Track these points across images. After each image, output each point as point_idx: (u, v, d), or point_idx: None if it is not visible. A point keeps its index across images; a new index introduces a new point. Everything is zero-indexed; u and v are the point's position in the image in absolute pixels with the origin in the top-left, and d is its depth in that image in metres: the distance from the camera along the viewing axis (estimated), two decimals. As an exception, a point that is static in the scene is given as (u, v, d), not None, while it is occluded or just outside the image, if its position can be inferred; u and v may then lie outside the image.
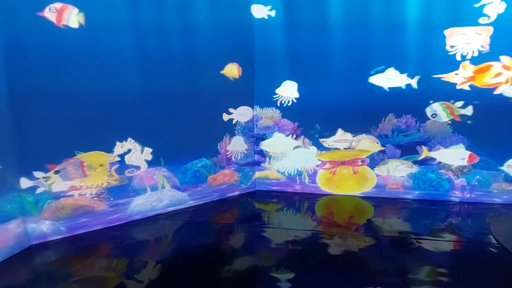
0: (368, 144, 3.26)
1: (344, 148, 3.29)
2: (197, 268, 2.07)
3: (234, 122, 3.30)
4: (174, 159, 2.96)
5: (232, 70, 3.10)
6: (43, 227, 2.38)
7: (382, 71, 3.06)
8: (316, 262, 2.11)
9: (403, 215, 2.92)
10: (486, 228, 2.52)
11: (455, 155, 3.08)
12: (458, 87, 2.92)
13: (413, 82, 3.01)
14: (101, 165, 2.56)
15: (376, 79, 3.08)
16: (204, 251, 2.29)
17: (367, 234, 2.53)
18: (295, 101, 3.30)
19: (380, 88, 3.09)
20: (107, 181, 2.60)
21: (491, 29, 2.81)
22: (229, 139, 3.28)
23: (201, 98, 2.99)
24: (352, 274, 1.98)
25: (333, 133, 3.31)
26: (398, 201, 3.17)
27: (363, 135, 3.25)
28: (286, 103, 3.32)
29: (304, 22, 3.12)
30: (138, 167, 2.75)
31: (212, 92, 3.04)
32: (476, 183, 3.10)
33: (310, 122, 3.33)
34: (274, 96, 3.32)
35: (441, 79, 2.92)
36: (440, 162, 3.14)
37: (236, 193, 3.40)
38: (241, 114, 3.32)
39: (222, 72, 3.07)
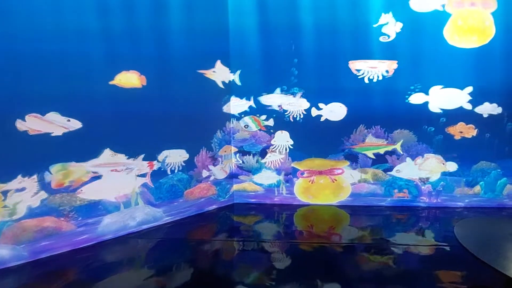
0: (434, 164, 3.22)
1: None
2: (174, 288, 1.99)
3: (322, 119, 3.15)
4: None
5: (130, 79, 2.63)
6: (2, 252, 2.17)
7: (272, 91, 3.34)
8: (297, 273, 2.11)
9: (377, 222, 3.02)
10: (452, 231, 2.67)
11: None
12: None
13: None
14: None
15: (265, 99, 3.35)
16: (181, 270, 2.20)
17: (345, 242, 2.59)
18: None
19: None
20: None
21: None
22: (206, 152, 3.25)
23: (176, 109, 2.94)
24: (333, 283, 2.00)
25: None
26: (372, 209, 3.28)
27: (431, 154, 3.23)
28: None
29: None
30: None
31: (188, 101, 3.01)
32: (441, 189, 3.31)
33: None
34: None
35: (204, 75, 3.17)
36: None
37: (214, 206, 3.34)
38: (331, 111, 3.12)
39: (112, 82, 2.57)
